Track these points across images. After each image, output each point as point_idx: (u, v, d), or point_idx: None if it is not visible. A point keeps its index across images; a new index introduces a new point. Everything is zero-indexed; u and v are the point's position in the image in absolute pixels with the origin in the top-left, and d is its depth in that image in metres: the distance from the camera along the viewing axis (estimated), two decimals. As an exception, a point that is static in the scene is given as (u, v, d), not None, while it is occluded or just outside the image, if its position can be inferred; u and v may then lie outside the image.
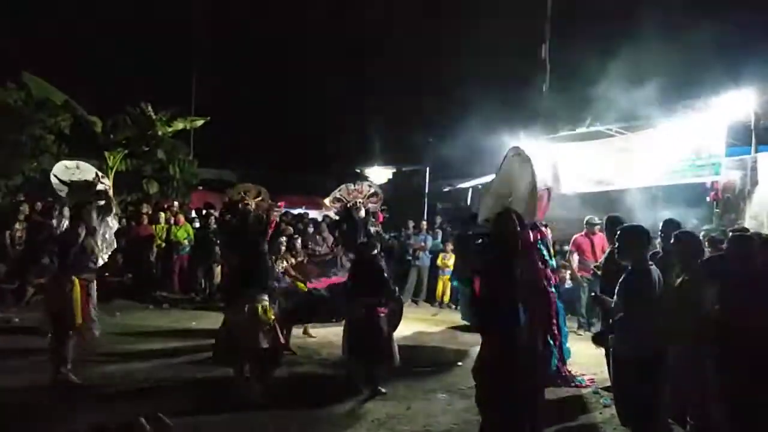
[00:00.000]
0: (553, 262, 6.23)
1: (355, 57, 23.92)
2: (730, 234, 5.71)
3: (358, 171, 19.87)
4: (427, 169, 15.39)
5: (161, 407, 4.59)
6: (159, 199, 13.74)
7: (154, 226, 11.42)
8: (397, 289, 6.46)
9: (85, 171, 6.92)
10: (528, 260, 5.81)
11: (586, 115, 9.56)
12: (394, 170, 17.99)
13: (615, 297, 4.03)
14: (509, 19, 15.10)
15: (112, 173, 13.23)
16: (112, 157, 13.57)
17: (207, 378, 5.78)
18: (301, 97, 23.93)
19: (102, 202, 6.18)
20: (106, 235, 6.18)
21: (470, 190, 13.83)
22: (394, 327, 6.01)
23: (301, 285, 7.10)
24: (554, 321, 5.94)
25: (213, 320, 8.04)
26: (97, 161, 12.61)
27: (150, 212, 11.93)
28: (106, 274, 9.63)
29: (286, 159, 24.28)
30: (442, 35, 19.93)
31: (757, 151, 7.94)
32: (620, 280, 3.99)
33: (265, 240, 5.66)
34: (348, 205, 8.50)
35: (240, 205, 7.29)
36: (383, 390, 5.53)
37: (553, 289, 6.03)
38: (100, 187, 6.51)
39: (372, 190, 8.87)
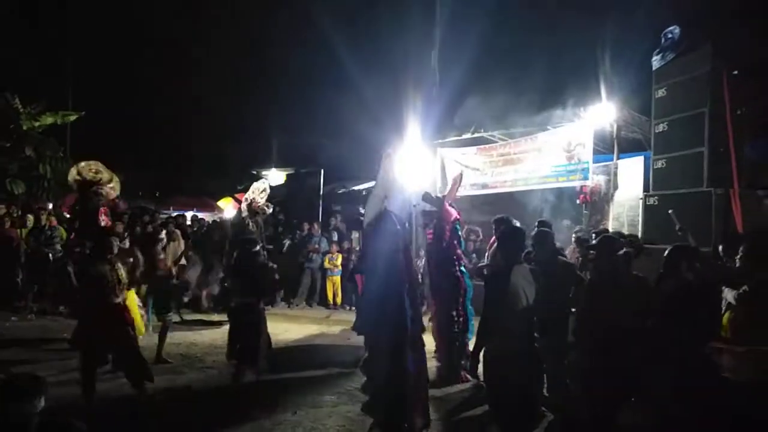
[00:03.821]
0: (463, 244, 6.49)
1: (251, 59, 23.36)
2: (593, 234, 6.28)
3: (255, 173, 19.40)
4: (322, 171, 15.31)
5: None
6: (27, 201, 12.51)
7: (19, 230, 10.34)
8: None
9: None
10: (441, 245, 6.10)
11: (471, 122, 10.02)
12: (290, 171, 17.75)
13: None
14: (404, 25, 15.47)
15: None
16: (-36, 153, 12.15)
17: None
18: (196, 99, 22.96)
19: None
20: None
21: (363, 192, 13.98)
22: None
23: None
24: (461, 300, 6.17)
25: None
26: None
27: (16, 214, 10.83)
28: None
29: (178, 160, 23.20)
30: (337, 39, 19.99)
31: (618, 159, 8.76)
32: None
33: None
34: (250, 204, 8.49)
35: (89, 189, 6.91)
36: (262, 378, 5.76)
37: (462, 269, 6.27)
38: None
39: (264, 186, 8.94)
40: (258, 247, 5.99)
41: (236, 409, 5.20)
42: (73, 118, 14.57)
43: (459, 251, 6.34)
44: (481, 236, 9.53)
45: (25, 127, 13.04)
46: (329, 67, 19.44)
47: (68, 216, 11.79)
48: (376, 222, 4.43)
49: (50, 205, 12.56)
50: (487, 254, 7.77)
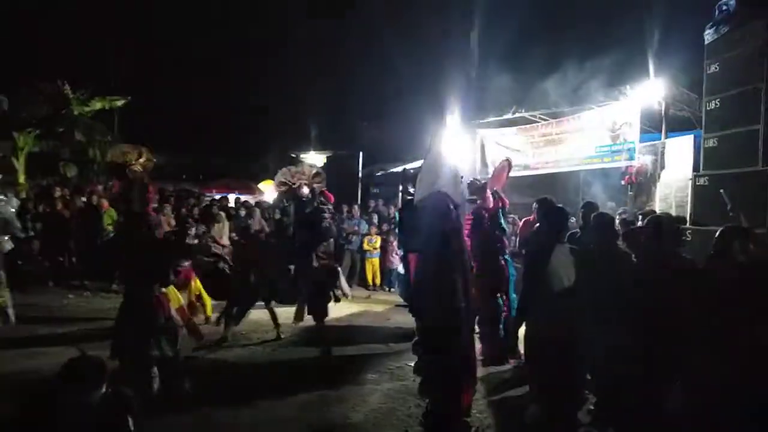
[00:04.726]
0: (507, 229, 6.43)
1: (290, 42, 23.47)
2: (640, 216, 6.13)
3: (294, 156, 19.63)
4: (361, 153, 15.38)
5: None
6: (78, 183, 13.02)
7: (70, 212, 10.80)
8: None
9: None
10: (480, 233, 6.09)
11: (512, 102, 9.84)
12: (329, 154, 17.88)
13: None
14: (441, 6, 15.25)
15: (23, 154, 12.38)
16: (22, 138, 12.67)
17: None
18: (237, 82, 23.28)
19: None
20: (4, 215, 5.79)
21: (410, 170, 13.93)
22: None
23: None
24: (504, 288, 6.14)
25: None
26: (5, 142, 11.81)
27: (68, 196, 11.31)
28: (19, 261, 9.09)
29: (220, 144, 23.65)
30: (375, 22, 19.87)
31: (666, 138, 8.47)
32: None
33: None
34: (294, 187, 8.56)
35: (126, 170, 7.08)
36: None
37: (507, 257, 6.23)
38: None
39: (314, 170, 8.92)
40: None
41: (279, 385, 5.34)
42: (120, 103, 15.02)
43: (504, 239, 6.27)
44: (519, 222, 9.37)
45: (75, 113, 13.53)
46: (368, 49, 19.39)
47: (116, 199, 12.24)
48: (429, 201, 4.39)
49: (100, 188, 13.05)
50: (519, 237, 7.70)
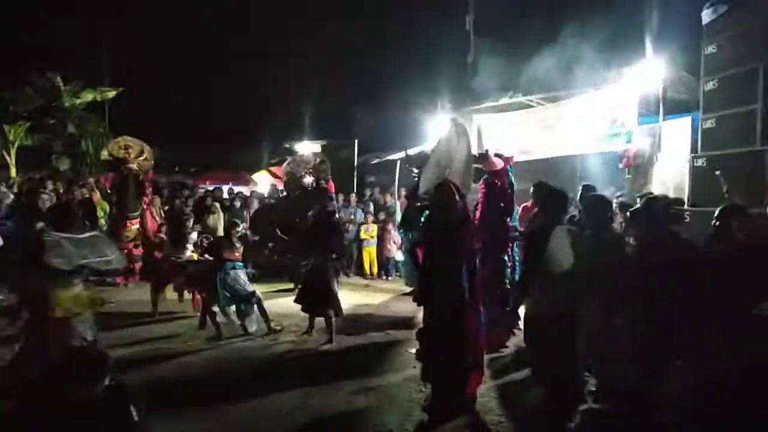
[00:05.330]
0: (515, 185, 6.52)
1: (281, 30, 23.28)
2: (638, 198, 6.10)
3: (288, 146, 19.50)
4: (356, 142, 15.27)
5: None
6: (71, 177, 12.89)
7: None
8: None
9: None
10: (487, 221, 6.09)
11: (508, 86, 9.77)
12: (324, 143, 17.76)
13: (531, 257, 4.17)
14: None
15: (14, 148, 12.22)
16: (13, 131, 12.50)
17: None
18: (228, 72, 23.10)
19: None
20: None
21: (398, 162, 13.85)
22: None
23: None
24: (510, 248, 6.21)
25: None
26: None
27: (61, 190, 11.19)
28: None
29: (212, 135, 23.50)
30: (367, 7, 19.71)
31: (664, 120, 8.43)
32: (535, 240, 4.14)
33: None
34: (298, 177, 8.61)
35: (121, 166, 7.04)
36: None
37: (514, 224, 6.32)
38: None
39: (319, 159, 8.93)
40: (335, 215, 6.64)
41: (281, 375, 5.35)
42: (111, 94, 14.83)
43: (513, 198, 6.33)
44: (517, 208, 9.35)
45: (67, 105, 13.35)
46: (361, 35, 19.24)
47: (109, 191, 12.14)
48: (436, 192, 4.36)
49: (91, 180, 12.92)
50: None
